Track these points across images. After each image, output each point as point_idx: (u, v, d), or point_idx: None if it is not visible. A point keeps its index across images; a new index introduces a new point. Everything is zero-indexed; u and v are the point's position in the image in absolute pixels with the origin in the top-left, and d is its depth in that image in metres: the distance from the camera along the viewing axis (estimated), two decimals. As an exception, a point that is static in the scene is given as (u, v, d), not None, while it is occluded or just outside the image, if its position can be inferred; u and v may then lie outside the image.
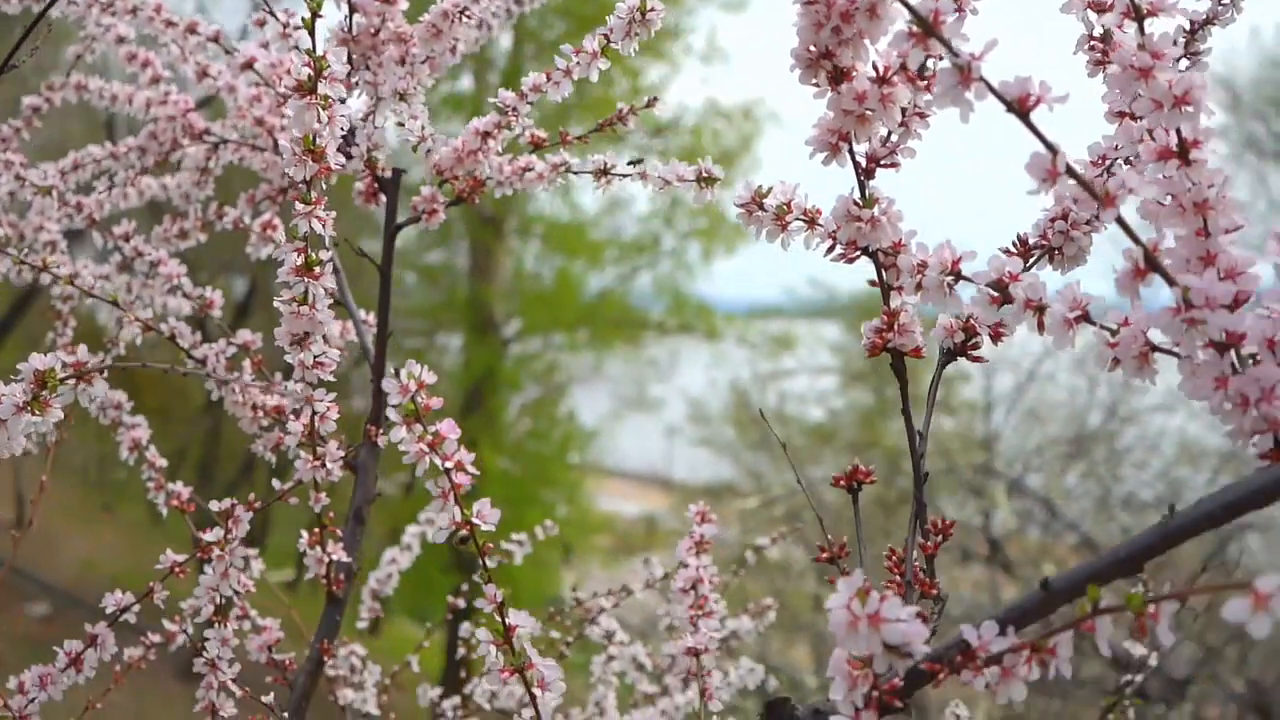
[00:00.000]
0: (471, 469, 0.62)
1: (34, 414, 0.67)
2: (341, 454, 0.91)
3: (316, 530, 0.96)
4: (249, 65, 1.05)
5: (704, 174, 0.84)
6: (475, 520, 0.63)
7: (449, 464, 0.61)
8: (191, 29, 1.09)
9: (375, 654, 1.43)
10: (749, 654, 1.33)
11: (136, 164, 1.19)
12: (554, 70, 0.89)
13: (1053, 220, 0.68)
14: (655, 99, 0.99)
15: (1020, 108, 0.51)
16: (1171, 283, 0.51)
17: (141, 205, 1.31)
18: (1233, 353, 0.52)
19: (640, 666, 1.36)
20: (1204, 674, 5.67)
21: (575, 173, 0.96)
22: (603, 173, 0.93)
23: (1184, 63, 0.72)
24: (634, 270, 12.33)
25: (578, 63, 0.88)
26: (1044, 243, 0.68)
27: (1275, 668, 6.23)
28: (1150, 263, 0.51)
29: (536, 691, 0.64)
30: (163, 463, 1.10)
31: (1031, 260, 0.69)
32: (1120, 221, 0.51)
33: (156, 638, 1.12)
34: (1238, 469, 6.98)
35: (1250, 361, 0.52)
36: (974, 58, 0.50)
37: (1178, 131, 0.53)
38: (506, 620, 0.64)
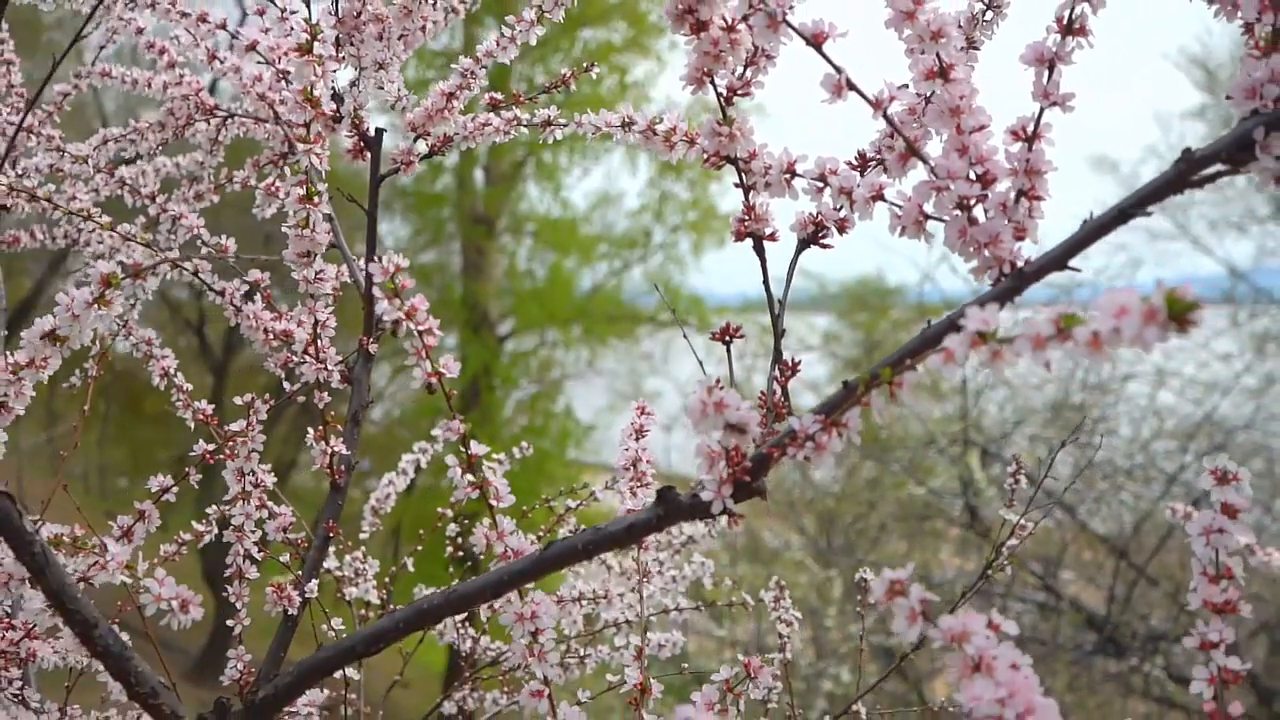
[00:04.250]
0: (437, 331, 0.82)
1: (101, 308, 0.88)
2: (340, 359, 1.12)
3: (321, 427, 1.16)
4: (252, 47, 1.25)
5: (626, 120, 1.04)
6: (442, 369, 0.83)
7: (422, 328, 0.82)
8: (203, 18, 1.29)
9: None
10: (746, 640, 1.52)
11: (156, 138, 1.39)
12: (502, 38, 1.10)
13: (884, 138, 0.89)
14: (593, 64, 1.19)
15: (816, 41, 0.71)
16: (925, 162, 0.71)
17: (157, 182, 1.51)
18: (979, 212, 0.73)
19: (609, 568, 1.57)
20: (1175, 631, 5.89)
21: (526, 125, 1.16)
22: (546, 124, 1.14)
23: (989, 14, 0.92)
24: (625, 265, 12.53)
25: (520, 30, 1.09)
26: (877, 156, 0.88)
27: (1249, 624, 6.45)
28: (911, 150, 0.72)
29: (493, 502, 0.85)
30: (189, 386, 1.30)
31: (869, 170, 0.89)
32: (889, 121, 0.72)
33: (187, 536, 1.32)
34: (1209, 434, 7.19)
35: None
36: (780, 6, 0.70)
37: (938, 57, 0.74)
38: (470, 450, 0.85)
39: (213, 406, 1.26)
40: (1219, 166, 0.65)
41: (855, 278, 11.50)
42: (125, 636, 0.88)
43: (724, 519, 1.49)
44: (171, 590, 0.76)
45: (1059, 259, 0.67)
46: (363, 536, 1.59)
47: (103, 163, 1.36)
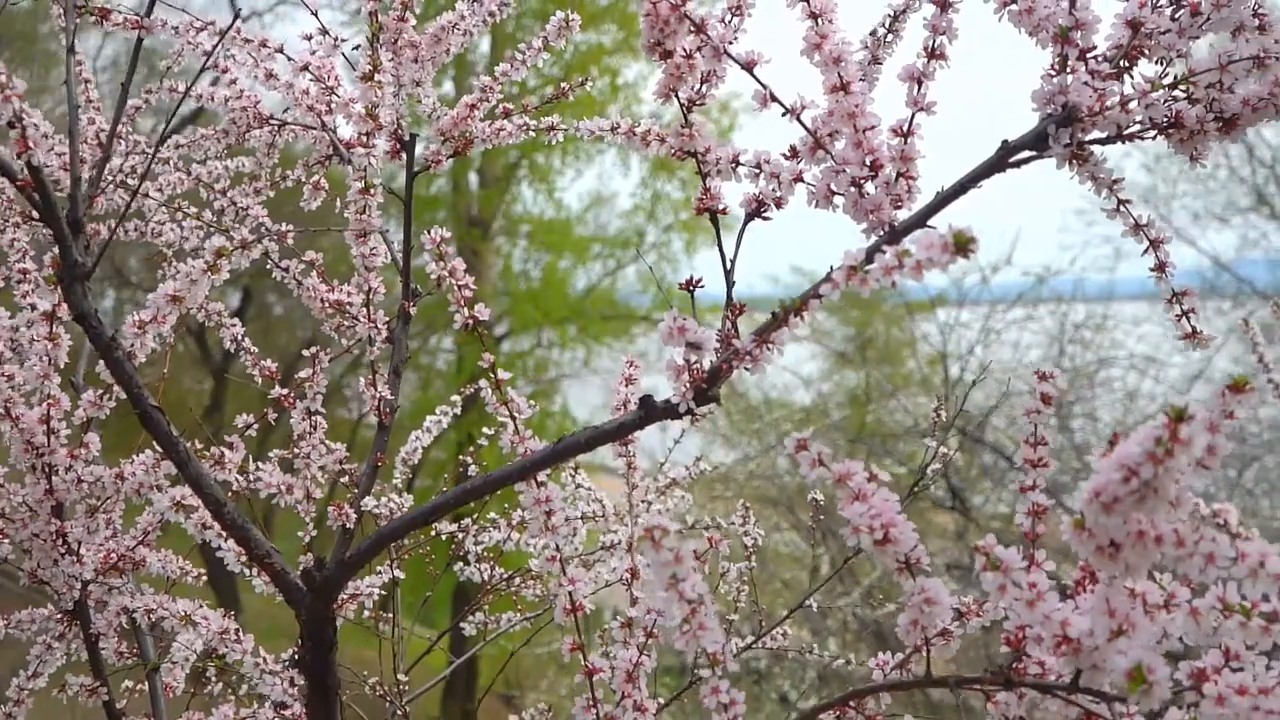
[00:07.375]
0: (472, 286, 1.10)
1: (212, 274, 1.15)
2: (387, 319, 1.39)
3: (370, 375, 1.44)
4: (305, 67, 1.52)
5: (615, 125, 1.32)
6: (476, 314, 1.10)
7: (460, 282, 1.09)
8: (263, 44, 1.56)
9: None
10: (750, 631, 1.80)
11: (222, 143, 1.66)
12: (514, 59, 1.38)
13: (806, 135, 1.16)
14: (586, 79, 1.46)
15: (748, 66, 0.98)
16: (827, 152, 0.99)
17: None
18: (870, 188, 1.00)
19: (604, 505, 1.84)
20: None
21: (534, 130, 1.43)
22: (552, 128, 1.41)
23: (890, 36, 1.19)
24: (619, 265, 12.79)
25: (529, 55, 1.36)
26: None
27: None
28: (818, 143, 0.99)
29: (517, 414, 1.12)
30: (255, 349, 1.57)
31: (798, 159, 1.16)
32: (800, 122, 0.99)
33: (264, 466, 1.58)
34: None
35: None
36: (722, 39, 0.98)
37: (839, 74, 1.01)
38: (497, 375, 1.12)
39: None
40: (1029, 153, 0.93)
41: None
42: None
43: (701, 464, 1.77)
44: (279, 477, 1.03)
45: (918, 221, 0.95)
46: (396, 483, 1.86)
47: (178, 162, 1.63)
